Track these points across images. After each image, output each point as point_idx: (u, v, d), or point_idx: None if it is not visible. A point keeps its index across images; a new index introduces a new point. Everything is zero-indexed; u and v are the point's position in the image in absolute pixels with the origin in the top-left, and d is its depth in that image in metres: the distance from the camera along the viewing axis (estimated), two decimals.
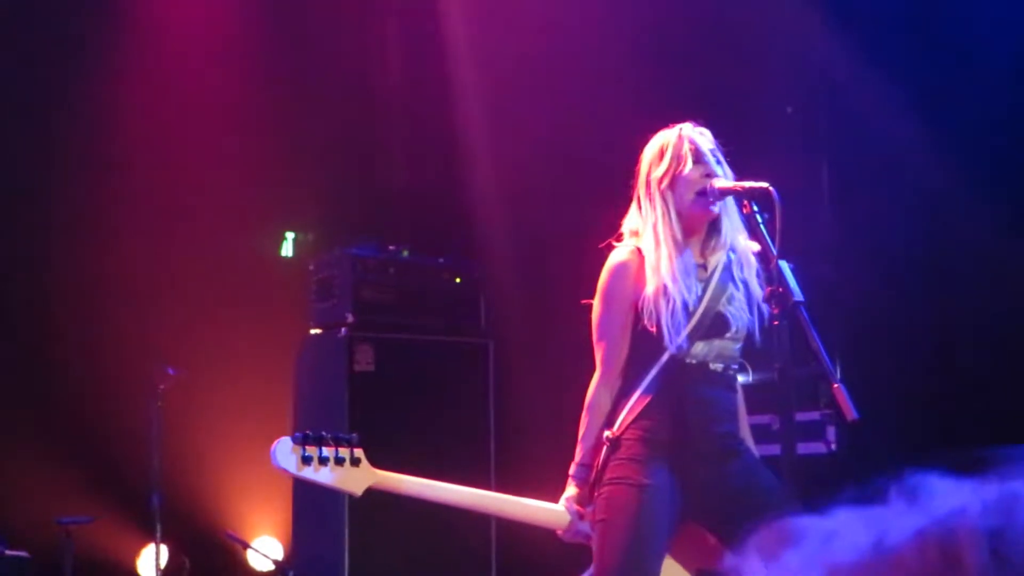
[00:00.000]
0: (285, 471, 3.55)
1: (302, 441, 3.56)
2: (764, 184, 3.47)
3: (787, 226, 3.36)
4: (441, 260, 7.14)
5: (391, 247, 7.02)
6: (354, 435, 3.64)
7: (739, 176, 3.71)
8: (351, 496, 3.64)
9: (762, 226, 3.44)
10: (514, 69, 7.18)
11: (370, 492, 3.66)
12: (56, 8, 7.35)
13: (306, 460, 3.55)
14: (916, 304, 5.96)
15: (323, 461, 3.57)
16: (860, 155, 6.26)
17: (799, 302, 3.25)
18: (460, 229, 7.46)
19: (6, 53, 7.20)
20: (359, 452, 3.62)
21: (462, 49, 7.44)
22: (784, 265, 3.31)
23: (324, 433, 3.59)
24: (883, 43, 6.13)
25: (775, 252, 3.34)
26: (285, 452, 3.55)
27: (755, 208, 3.47)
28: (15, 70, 7.25)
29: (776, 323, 3.26)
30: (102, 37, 7.47)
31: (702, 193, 3.69)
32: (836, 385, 3.13)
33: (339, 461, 3.59)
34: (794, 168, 5.91)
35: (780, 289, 3.27)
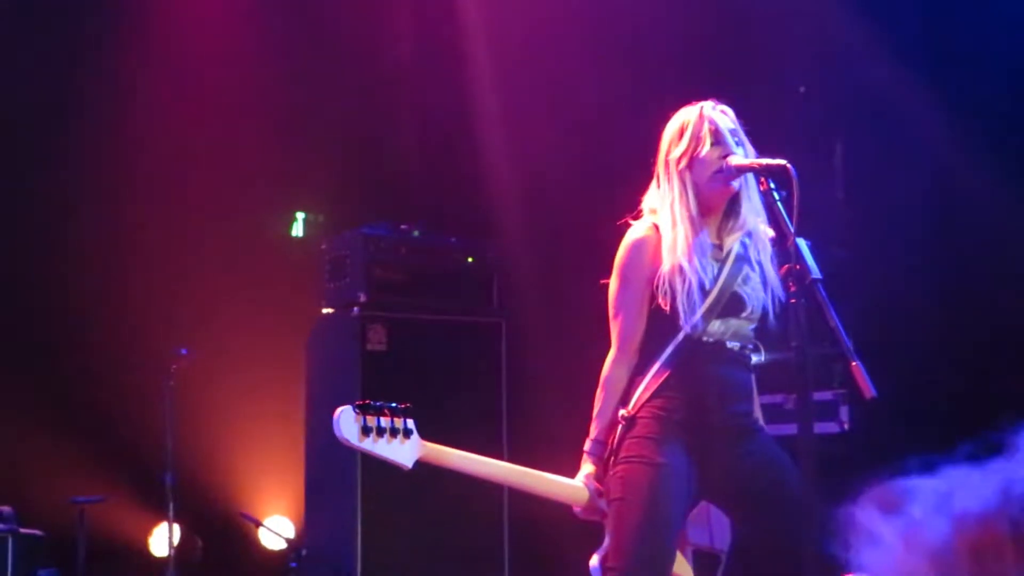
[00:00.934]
0: (347, 441, 3.52)
1: (363, 410, 3.53)
2: (781, 161, 3.45)
3: (800, 207, 3.34)
4: (453, 239, 7.12)
5: (403, 227, 7.01)
6: (408, 405, 3.62)
7: (759, 156, 3.70)
8: (402, 468, 3.61)
9: (779, 203, 3.42)
10: (528, 46, 7.15)
11: (418, 464, 3.64)
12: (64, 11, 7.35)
13: (366, 431, 3.53)
14: (930, 285, 5.94)
15: (381, 432, 3.55)
16: (874, 135, 6.23)
17: (817, 280, 3.24)
18: (472, 208, 7.45)
19: (20, 41, 7.20)
20: (411, 423, 3.61)
21: (475, 27, 7.42)
22: (801, 243, 3.29)
23: (381, 403, 3.58)
24: (897, 21, 6.10)
25: (792, 229, 3.33)
26: (348, 422, 3.52)
27: (772, 185, 3.46)
28: (30, 57, 7.26)
29: (793, 301, 3.24)
30: (112, 22, 7.46)
31: (719, 172, 3.68)
32: (854, 363, 3.13)
33: (394, 432, 3.57)
34: (807, 148, 5.89)
35: (797, 267, 3.26)
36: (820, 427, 5.64)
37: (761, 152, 3.70)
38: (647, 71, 6.50)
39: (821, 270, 3.27)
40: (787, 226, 3.36)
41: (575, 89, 6.96)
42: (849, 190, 6.28)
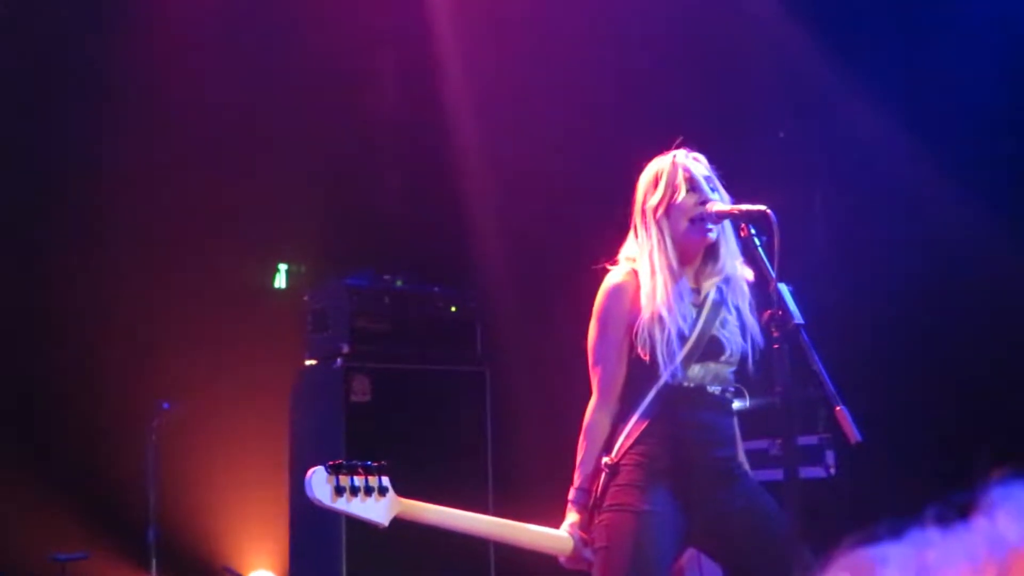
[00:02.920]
0: (320, 503, 3.49)
1: (335, 470, 3.50)
2: (761, 207, 3.46)
3: (782, 250, 3.34)
4: (436, 289, 7.12)
5: (385, 277, 7.00)
6: (383, 463, 3.59)
7: (734, 201, 3.70)
8: (378, 527, 3.57)
9: (760, 249, 3.42)
10: (508, 96, 7.19)
11: (395, 522, 3.60)
12: (43, 58, 7.35)
13: (339, 491, 3.50)
14: (913, 326, 5.95)
15: (355, 491, 3.51)
16: (853, 178, 6.26)
17: (799, 324, 3.23)
18: (454, 258, 7.45)
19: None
20: (386, 480, 3.57)
21: (456, 77, 7.45)
22: (783, 288, 3.29)
23: (355, 462, 3.54)
24: (875, 66, 6.15)
25: (774, 275, 3.33)
26: (320, 483, 3.49)
27: (752, 231, 3.46)
28: (6, 105, 7.26)
29: (776, 347, 3.24)
30: (90, 69, 7.46)
31: (698, 219, 3.68)
32: (839, 408, 3.12)
33: (369, 491, 3.53)
34: (787, 192, 5.90)
35: (780, 312, 3.25)
36: (806, 472, 5.63)
37: (742, 197, 3.70)
38: (629, 120, 6.54)
39: (803, 314, 3.27)
40: (769, 271, 3.36)
41: (557, 137, 6.98)
42: (830, 233, 6.30)
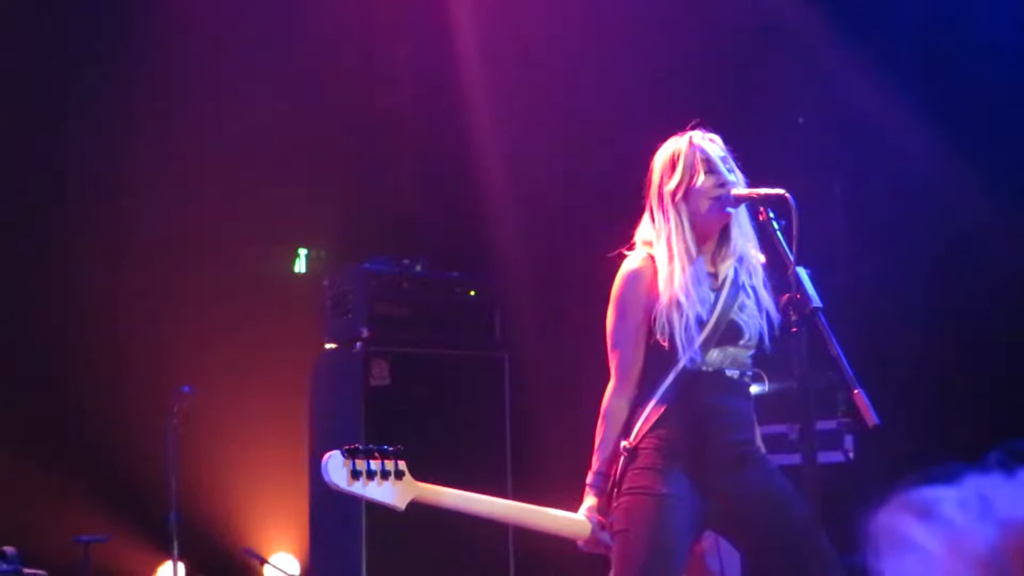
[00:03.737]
0: (337, 486, 3.52)
1: (351, 455, 3.52)
2: (780, 190, 3.45)
3: (800, 235, 3.34)
4: (455, 274, 7.13)
5: (405, 261, 7.02)
6: (399, 447, 3.61)
7: (751, 184, 3.70)
8: (395, 510, 3.59)
9: (779, 233, 3.42)
10: (526, 83, 7.20)
11: (412, 505, 3.62)
12: (67, 38, 7.39)
13: (355, 475, 3.52)
14: (931, 312, 5.95)
15: (371, 475, 3.54)
16: (872, 163, 6.25)
17: (817, 308, 3.24)
18: (474, 242, 7.46)
19: (21, 74, 7.25)
20: (403, 464, 3.59)
21: (474, 65, 7.46)
22: (801, 272, 3.29)
23: (371, 446, 3.56)
24: (894, 52, 6.14)
25: (792, 259, 3.33)
26: (336, 467, 3.51)
27: (771, 215, 3.46)
28: (30, 89, 7.30)
29: (794, 330, 3.24)
30: (116, 56, 7.49)
31: (716, 202, 3.67)
32: (856, 391, 3.12)
33: (385, 475, 3.56)
34: (806, 177, 5.90)
35: (797, 296, 3.26)
36: (825, 457, 5.63)
37: (761, 182, 3.70)
38: (647, 105, 6.53)
39: (821, 298, 3.27)
40: (787, 255, 3.36)
41: (575, 123, 6.98)
42: (850, 218, 6.30)
